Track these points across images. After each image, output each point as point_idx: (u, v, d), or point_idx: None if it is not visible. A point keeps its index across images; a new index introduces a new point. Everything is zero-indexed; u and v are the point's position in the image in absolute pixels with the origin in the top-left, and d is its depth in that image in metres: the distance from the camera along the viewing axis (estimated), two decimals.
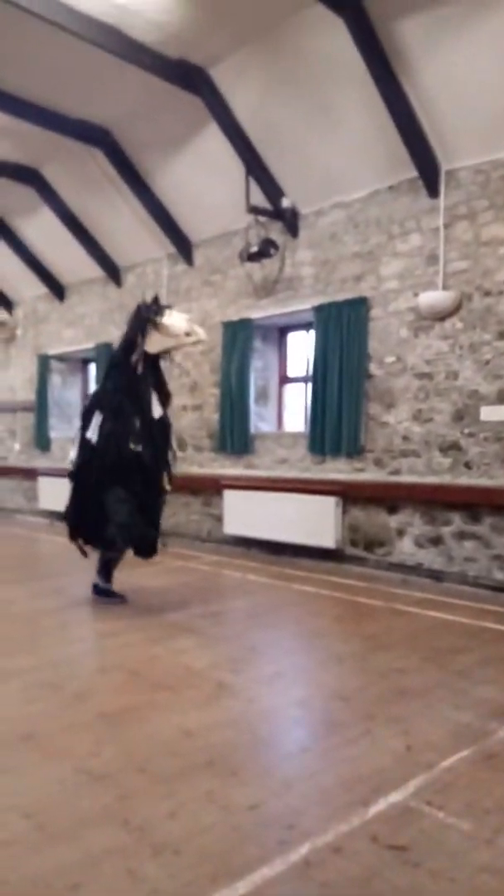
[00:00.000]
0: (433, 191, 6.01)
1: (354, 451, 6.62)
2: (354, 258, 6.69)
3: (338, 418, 6.71)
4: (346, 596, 5.44)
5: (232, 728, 2.81)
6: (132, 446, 4.69)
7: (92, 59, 6.07)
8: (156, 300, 5.06)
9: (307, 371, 7.37)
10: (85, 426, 4.91)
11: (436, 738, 2.74)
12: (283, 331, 7.98)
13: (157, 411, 4.88)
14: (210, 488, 7.90)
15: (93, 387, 10.19)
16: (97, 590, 5.07)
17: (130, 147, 7.76)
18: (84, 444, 4.88)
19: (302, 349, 7.83)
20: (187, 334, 4.98)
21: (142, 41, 5.94)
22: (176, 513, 8.46)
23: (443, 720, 2.92)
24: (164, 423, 4.97)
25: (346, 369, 6.64)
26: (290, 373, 8.03)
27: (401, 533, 6.28)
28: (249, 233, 7.19)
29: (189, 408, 8.45)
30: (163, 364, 5.10)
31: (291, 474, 7.19)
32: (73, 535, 4.99)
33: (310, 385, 7.09)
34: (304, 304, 7.07)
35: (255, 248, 7.09)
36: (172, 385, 8.80)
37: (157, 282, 8.96)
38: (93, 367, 10.25)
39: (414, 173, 6.03)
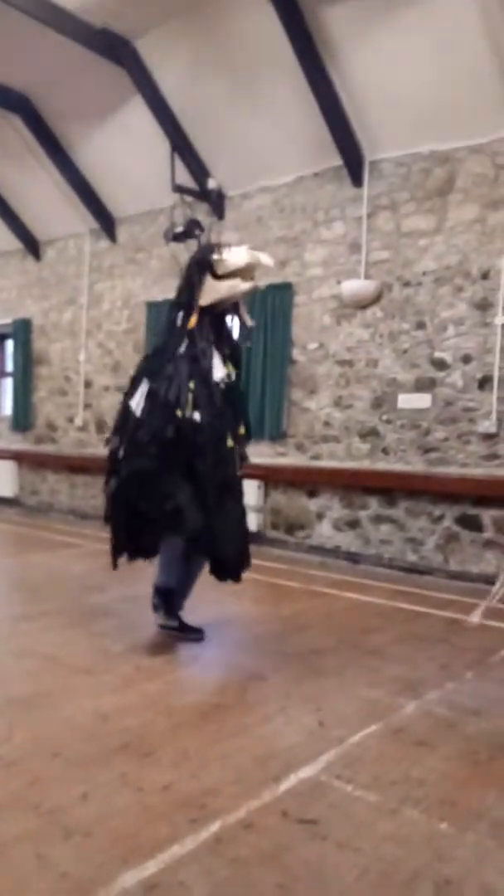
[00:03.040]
0: (357, 180, 6.10)
1: (277, 435, 6.69)
2: (279, 243, 6.71)
3: (261, 403, 6.75)
4: (265, 578, 5.51)
5: (148, 710, 2.81)
6: (186, 413, 3.56)
7: (11, 22, 5.80)
8: (194, 222, 4.01)
9: None
10: (129, 395, 3.77)
11: (347, 714, 2.83)
12: None
13: (218, 373, 3.75)
14: None
15: (10, 364, 9.86)
16: (178, 622, 3.85)
17: (51, 115, 7.50)
18: (127, 417, 3.72)
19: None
20: (246, 272, 3.79)
21: (64, 7, 5.73)
22: (96, 495, 8.33)
23: (355, 697, 3.02)
24: (231, 387, 3.83)
25: (269, 354, 6.69)
26: None
27: (320, 516, 6.41)
28: (175, 212, 7.08)
29: (111, 388, 8.31)
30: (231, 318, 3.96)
31: None
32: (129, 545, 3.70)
33: None
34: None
35: (179, 229, 6.92)
36: (94, 364, 8.69)
37: (79, 257, 8.73)
38: (10, 344, 9.89)
39: (339, 161, 6.09)
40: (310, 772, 2.32)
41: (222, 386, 3.74)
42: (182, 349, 3.72)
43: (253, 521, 6.67)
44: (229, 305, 3.84)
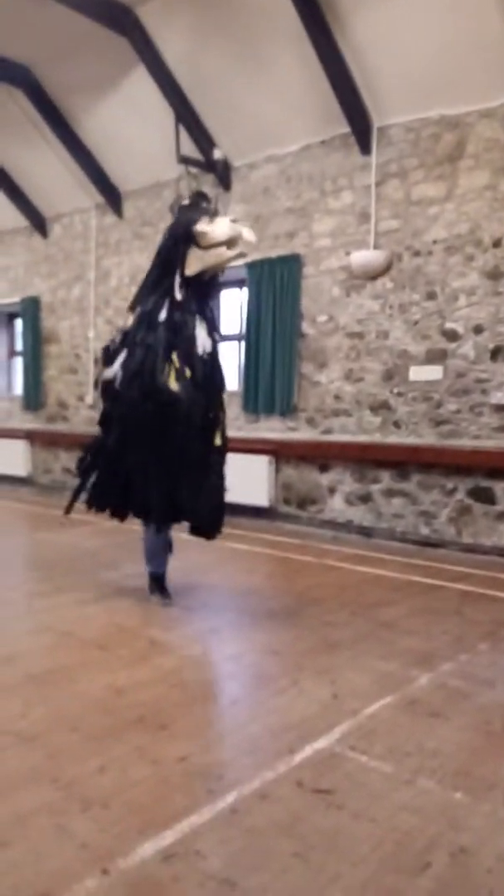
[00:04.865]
0: (365, 147, 5.98)
1: (287, 410, 6.66)
2: (287, 214, 6.62)
3: (271, 377, 6.71)
4: (278, 553, 5.53)
5: (163, 684, 2.83)
6: (168, 383, 3.59)
7: None
8: (201, 194, 4.11)
9: (240, 329, 7.31)
10: (107, 365, 3.89)
11: (361, 686, 2.84)
12: None
13: (203, 345, 3.79)
14: None
15: (20, 342, 9.84)
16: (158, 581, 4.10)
17: (53, 88, 7.38)
18: (107, 388, 3.88)
19: (235, 306, 7.75)
20: (230, 244, 3.79)
21: None
22: None
23: (368, 669, 3.03)
24: (214, 360, 3.85)
25: (279, 328, 6.63)
26: (224, 330, 7.94)
27: (332, 491, 6.40)
28: (180, 184, 6.99)
29: None
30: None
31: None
32: (94, 503, 3.99)
33: (243, 343, 7.05)
34: (236, 261, 6.96)
35: (186, 202, 6.89)
36: (103, 341, 8.65)
37: (86, 233, 8.65)
38: (19, 322, 9.87)
39: (346, 129, 5.97)
40: (324, 743, 2.33)
41: (205, 357, 3.80)
42: (162, 316, 3.76)
43: (265, 496, 6.70)
44: (211, 272, 3.92)
